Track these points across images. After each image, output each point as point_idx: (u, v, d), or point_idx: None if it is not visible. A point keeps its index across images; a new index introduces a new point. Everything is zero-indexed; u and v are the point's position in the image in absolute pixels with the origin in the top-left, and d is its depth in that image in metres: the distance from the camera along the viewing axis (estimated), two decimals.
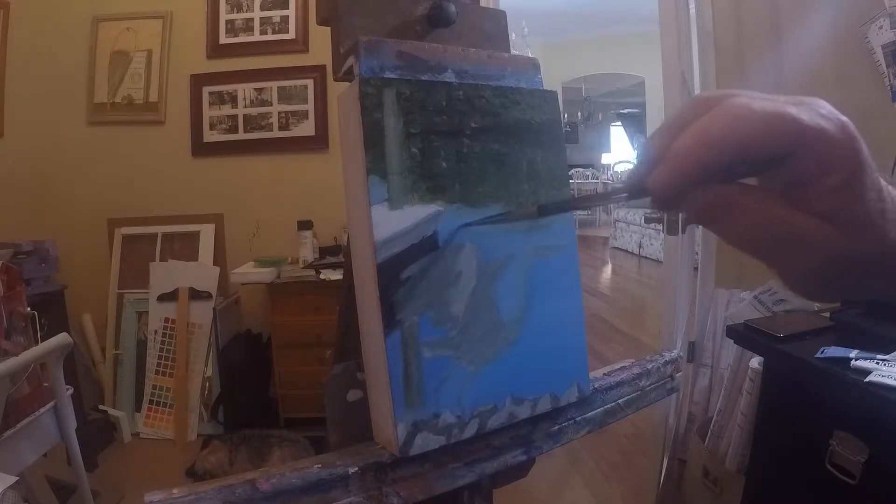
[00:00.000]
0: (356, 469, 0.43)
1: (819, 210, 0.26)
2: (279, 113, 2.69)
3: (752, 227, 0.27)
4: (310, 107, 2.68)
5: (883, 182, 0.27)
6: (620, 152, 12.28)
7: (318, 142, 2.69)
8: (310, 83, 2.67)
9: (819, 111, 0.25)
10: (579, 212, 9.87)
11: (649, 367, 0.64)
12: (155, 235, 2.70)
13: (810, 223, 0.26)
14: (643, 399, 0.62)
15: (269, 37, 2.66)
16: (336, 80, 0.51)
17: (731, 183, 0.27)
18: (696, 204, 0.27)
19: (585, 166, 11.19)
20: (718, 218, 0.27)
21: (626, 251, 7.14)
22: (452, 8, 0.54)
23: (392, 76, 0.47)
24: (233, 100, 2.69)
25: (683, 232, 1.56)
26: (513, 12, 0.70)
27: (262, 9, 2.66)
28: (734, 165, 0.26)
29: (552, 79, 7.27)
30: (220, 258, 2.71)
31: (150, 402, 2.54)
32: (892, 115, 1.46)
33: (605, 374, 0.61)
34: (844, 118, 0.26)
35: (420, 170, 0.46)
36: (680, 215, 1.52)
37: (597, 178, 10.67)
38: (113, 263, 2.69)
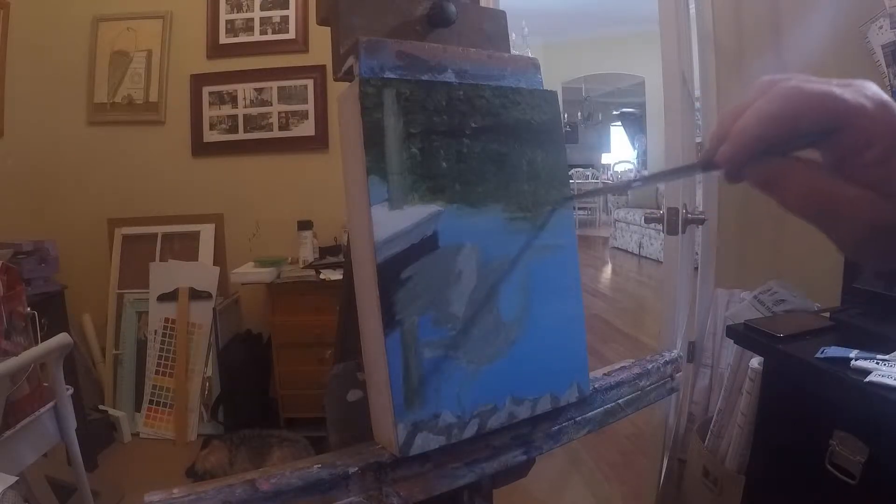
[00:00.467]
0: (356, 469, 0.43)
1: (864, 180, 0.29)
2: (279, 113, 2.69)
3: (804, 194, 0.30)
4: (310, 107, 2.68)
5: None
6: (620, 152, 12.27)
7: (318, 142, 2.69)
8: (310, 83, 2.67)
9: (864, 92, 0.29)
10: (579, 212, 9.87)
11: (649, 367, 0.64)
12: (155, 235, 2.70)
13: (856, 192, 0.29)
14: (643, 399, 0.62)
15: (269, 37, 2.66)
16: (336, 80, 0.51)
17: (787, 156, 0.30)
18: (757, 175, 0.31)
19: (585, 166, 11.19)
20: (775, 186, 0.31)
21: (626, 251, 7.14)
22: (452, 8, 0.54)
23: (392, 76, 0.47)
24: (233, 100, 2.70)
25: (683, 232, 1.56)
26: (513, 12, 0.70)
27: (262, 9, 2.66)
28: (789, 140, 0.30)
29: (552, 79, 7.27)
30: (220, 258, 2.71)
31: (150, 402, 2.54)
32: None
33: (605, 374, 0.61)
34: (886, 98, 0.29)
35: (420, 170, 0.46)
36: (679, 216, 1.52)
37: (597, 178, 10.66)
38: (113, 263, 2.69)
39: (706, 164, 0.33)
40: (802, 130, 0.29)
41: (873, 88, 0.29)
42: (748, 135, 0.30)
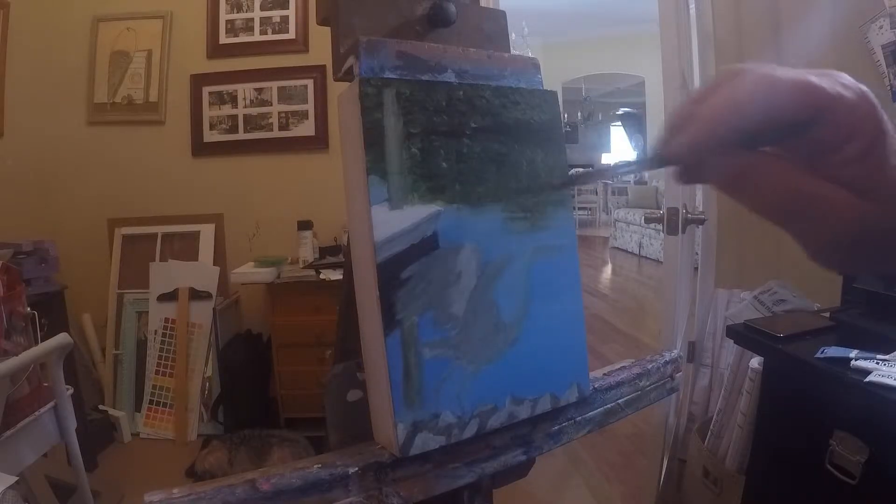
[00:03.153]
0: (356, 469, 0.43)
1: (842, 178, 0.26)
2: (279, 113, 2.69)
3: (776, 194, 0.27)
4: (310, 107, 2.68)
5: None
6: (620, 152, 12.27)
7: (318, 142, 2.69)
8: (310, 83, 2.67)
9: (840, 80, 0.26)
10: (579, 212, 9.87)
11: (649, 367, 0.64)
12: (155, 235, 2.70)
13: (833, 191, 0.26)
14: (643, 399, 0.62)
15: (269, 37, 2.66)
16: (336, 80, 0.51)
17: (755, 151, 0.27)
18: (720, 170, 0.27)
19: (585, 166, 11.16)
20: (742, 185, 0.27)
21: (626, 251, 7.15)
22: (452, 8, 0.54)
23: (392, 76, 0.47)
24: (233, 100, 2.69)
25: (683, 232, 1.56)
26: (513, 12, 0.70)
27: (262, 9, 2.66)
28: (758, 132, 0.26)
29: (552, 79, 7.27)
30: (220, 258, 2.71)
31: (150, 402, 2.54)
32: (892, 115, 1.46)
33: (605, 374, 0.61)
34: (864, 87, 0.27)
35: (420, 170, 0.46)
36: (679, 216, 1.52)
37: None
38: (113, 263, 2.69)
39: (661, 159, 0.29)
40: (775, 121, 0.26)
41: (849, 78, 0.27)
42: (714, 124, 0.26)
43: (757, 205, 0.27)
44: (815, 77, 0.26)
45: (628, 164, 0.36)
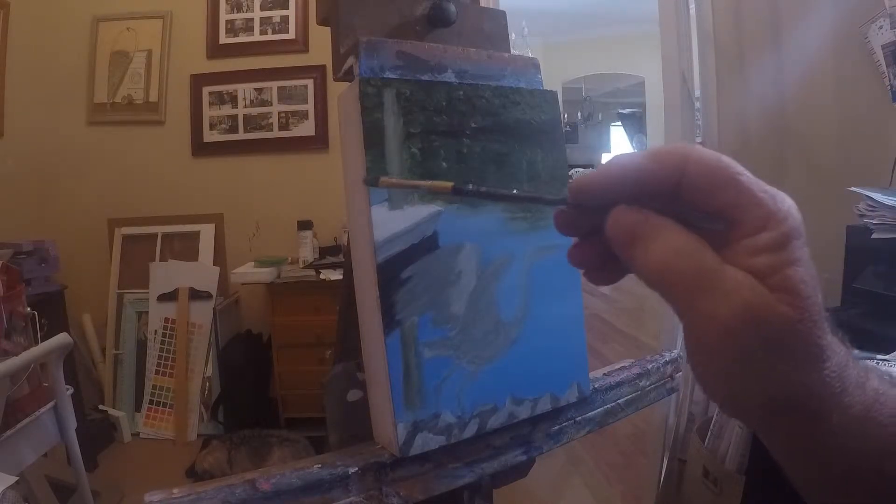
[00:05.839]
0: (356, 469, 0.43)
1: (750, 266, 0.25)
2: (279, 113, 2.69)
3: (675, 260, 0.25)
4: (310, 107, 2.68)
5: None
6: (620, 152, 12.26)
7: (318, 142, 2.69)
8: (310, 83, 2.67)
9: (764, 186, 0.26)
10: None
11: (649, 367, 0.64)
12: (155, 235, 2.70)
13: (740, 274, 0.25)
14: (643, 399, 0.62)
15: (269, 37, 2.66)
16: (336, 80, 0.51)
17: (657, 211, 0.26)
18: (622, 218, 0.27)
19: (585, 166, 11.17)
20: (642, 241, 0.26)
21: None
22: (452, 8, 0.54)
23: (392, 76, 0.47)
24: (233, 100, 2.69)
25: None
26: (513, 12, 0.70)
27: (262, 9, 2.66)
28: (678, 205, 0.26)
29: (552, 79, 7.26)
30: (220, 258, 2.71)
31: (150, 402, 2.54)
32: (892, 115, 1.46)
33: (605, 374, 0.61)
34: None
35: (420, 170, 0.46)
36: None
37: None
38: (113, 263, 2.69)
39: (554, 198, 0.29)
40: (701, 189, 0.26)
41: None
42: (630, 164, 0.27)
43: (649, 266, 0.26)
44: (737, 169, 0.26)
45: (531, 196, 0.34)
